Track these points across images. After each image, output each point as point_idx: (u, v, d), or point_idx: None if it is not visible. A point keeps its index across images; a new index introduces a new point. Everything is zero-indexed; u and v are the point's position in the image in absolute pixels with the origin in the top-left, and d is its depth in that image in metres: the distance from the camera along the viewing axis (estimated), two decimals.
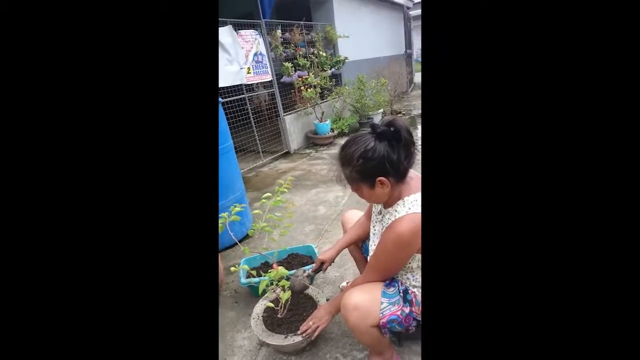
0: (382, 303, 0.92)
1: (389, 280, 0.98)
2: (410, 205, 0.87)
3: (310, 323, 1.09)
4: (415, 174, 0.93)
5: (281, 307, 1.11)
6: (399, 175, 0.87)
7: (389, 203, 0.94)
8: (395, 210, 0.90)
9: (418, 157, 0.84)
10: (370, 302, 0.92)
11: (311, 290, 1.31)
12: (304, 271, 1.27)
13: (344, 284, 1.53)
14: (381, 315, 0.91)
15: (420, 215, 0.82)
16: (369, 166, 0.84)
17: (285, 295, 1.05)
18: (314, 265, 1.26)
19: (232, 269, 1.16)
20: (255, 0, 3.69)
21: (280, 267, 1.09)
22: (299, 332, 1.10)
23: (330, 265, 1.29)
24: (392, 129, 0.84)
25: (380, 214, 1.00)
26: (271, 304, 1.09)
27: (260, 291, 1.07)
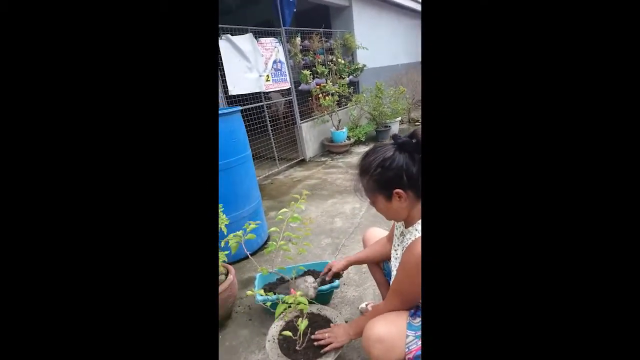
0: (407, 336, 0.85)
1: (414, 309, 0.91)
2: None
3: (326, 335, 1.03)
4: None
5: (299, 338, 1.05)
6: (419, 190, 0.81)
7: (408, 221, 0.88)
8: (416, 230, 0.84)
9: None
10: (396, 335, 0.85)
11: (329, 312, 1.25)
12: (314, 281, 1.26)
13: (363, 305, 1.46)
14: (407, 350, 0.84)
15: None
16: (386, 176, 0.81)
17: (303, 324, 0.99)
18: (323, 272, 1.26)
19: (248, 292, 1.12)
20: (275, 8, 3.69)
21: (298, 292, 1.04)
22: (313, 336, 1.06)
23: (339, 277, 1.28)
24: (413, 141, 0.80)
25: (402, 234, 0.94)
26: (289, 333, 1.03)
27: (277, 315, 1.03)
